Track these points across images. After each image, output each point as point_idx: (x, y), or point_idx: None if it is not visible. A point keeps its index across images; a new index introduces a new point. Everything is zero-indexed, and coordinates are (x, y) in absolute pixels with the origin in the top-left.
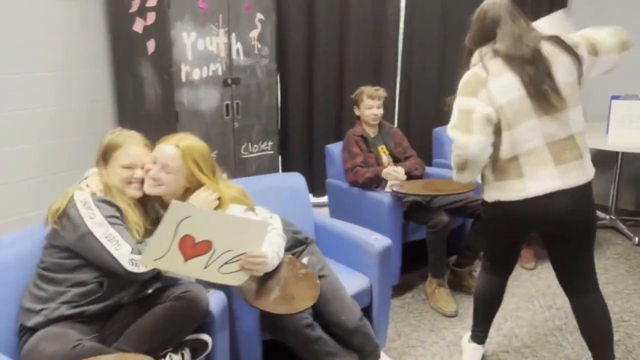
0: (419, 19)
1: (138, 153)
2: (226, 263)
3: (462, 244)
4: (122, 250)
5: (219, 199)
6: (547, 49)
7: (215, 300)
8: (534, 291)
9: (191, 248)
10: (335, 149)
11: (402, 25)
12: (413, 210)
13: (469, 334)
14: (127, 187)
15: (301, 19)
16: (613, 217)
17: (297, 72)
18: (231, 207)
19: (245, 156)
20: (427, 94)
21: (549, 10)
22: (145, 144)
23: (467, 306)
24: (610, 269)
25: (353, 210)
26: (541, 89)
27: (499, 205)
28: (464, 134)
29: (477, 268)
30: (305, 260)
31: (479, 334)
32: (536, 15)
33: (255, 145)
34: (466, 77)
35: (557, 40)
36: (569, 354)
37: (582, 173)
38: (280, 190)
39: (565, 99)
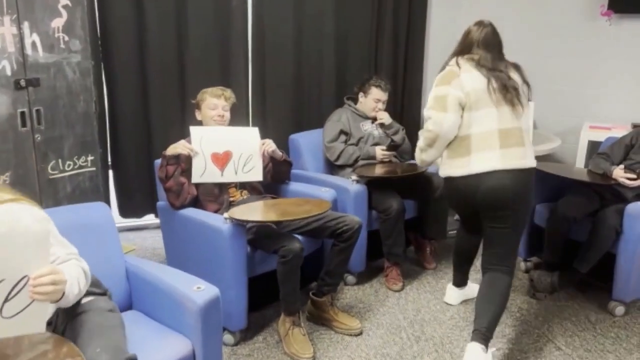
0: (270, 11)
1: None
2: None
3: (323, 270)
4: None
5: None
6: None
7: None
8: (401, 319)
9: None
10: None
11: (250, 17)
12: (260, 237)
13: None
14: None
15: (127, 6)
16: None
17: (127, 71)
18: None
19: (55, 176)
20: (283, 96)
21: (409, 9)
22: None
23: (326, 346)
24: None
25: (186, 241)
26: (505, 86)
27: (448, 180)
28: (439, 112)
29: (341, 295)
30: None
31: (455, 278)
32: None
33: (69, 162)
34: (442, 73)
35: (516, 67)
36: None
37: (521, 158)
38: (78, 227)
39: (520, 99)
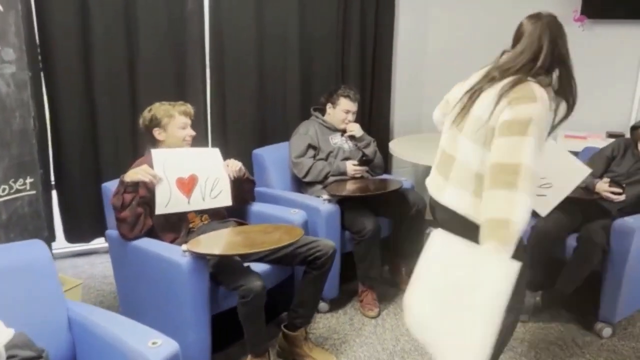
0: (228, 16)
1: None
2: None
3: (294, 300)
4: None
5: None
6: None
7: None
8: (380, 351)
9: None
10: (114, 188)
11: (207, 23)
12: (220, 271)
13: None
14: None
15: (69, 10)
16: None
17: (70, 82)
18: None
19: None
20: (245, 108)
21: (375, 16)
22: None
23: None
24: None
25: (140, 275)
26: (460, 107)
27: None
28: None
29: (313, 325)
30: None
31: None
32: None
33: (4, 186)
34: None
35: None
36: None
37: (439, 190)
38: (9, 272)
39: (464, 125)
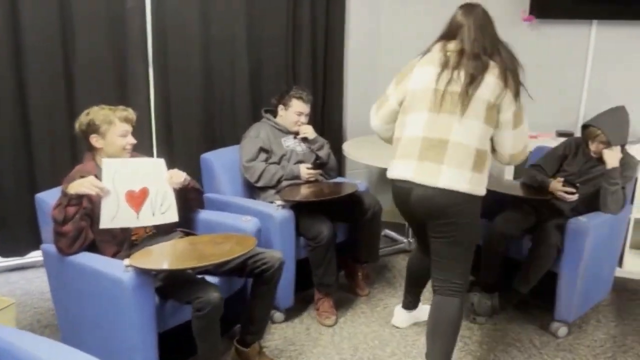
0: (172, 14)
1: None
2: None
3: (244, 315)
4: None
5: None
6: (488, 65)
7: None
8: None
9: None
10: (49, 198)
11: (149, 21)
12: (170, 285)
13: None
14: None
15: None
16: (410, 240)
17: (1, 87)
18: None
19: None
20: (192, 110)
21: (326, 14)
22: None
23: None
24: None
25: (80, 293)
26: (445, 89)
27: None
28: (373, 112)
29: (268, 337)
30: None
31: (405, 300)
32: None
33: None
34: (404, 69)
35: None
36: None
37: (434, 176)
38: None
39: (463, 107)
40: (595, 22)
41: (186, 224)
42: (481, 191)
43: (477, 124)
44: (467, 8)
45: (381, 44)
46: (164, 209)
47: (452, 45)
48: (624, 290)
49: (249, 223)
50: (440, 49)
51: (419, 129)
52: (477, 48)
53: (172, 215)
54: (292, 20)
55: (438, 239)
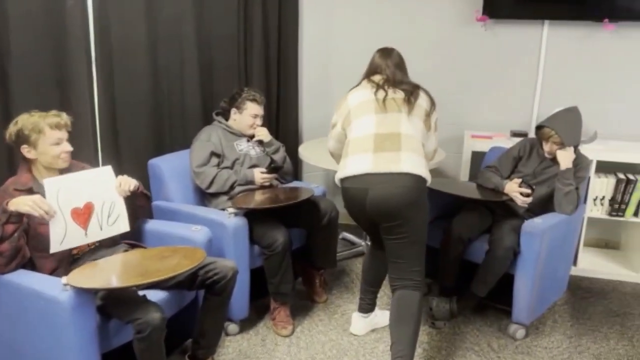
0: (115, 12)
1: None
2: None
3: (195, 329)
4: None
5: None
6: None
7: None
8: None
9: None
10: None
11: (91, 20)
12: (110, 303)
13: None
14: None
15: None
16: (369, 243)
17: None
18: None
19: None
20: (139, 113)
21: (279, 13)
22: None
23: None
24: None
25: (14, 315)
26: (385, 97)
27: (341, 184)
28: (330, 139)
29: (222, 350)
30: None
31: (362, 303)
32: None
33: None
34: (341, 99)
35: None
36: None
37: (393, 162)
38: None
39: (409, 107)
40: (547, 22)
41: (133, 236)
42: (429, 182)
43: (420, 123)
44: (384, 51)
45: (336, 43)
46: (112, 220)
47: (377, 77)
48: (578, 288)
49: (198, 233)
50: (368, 82)
51: (369, 127)
52: (399, 78)
53: (122, 226)
54: (243, 19)
55: (394, 240)
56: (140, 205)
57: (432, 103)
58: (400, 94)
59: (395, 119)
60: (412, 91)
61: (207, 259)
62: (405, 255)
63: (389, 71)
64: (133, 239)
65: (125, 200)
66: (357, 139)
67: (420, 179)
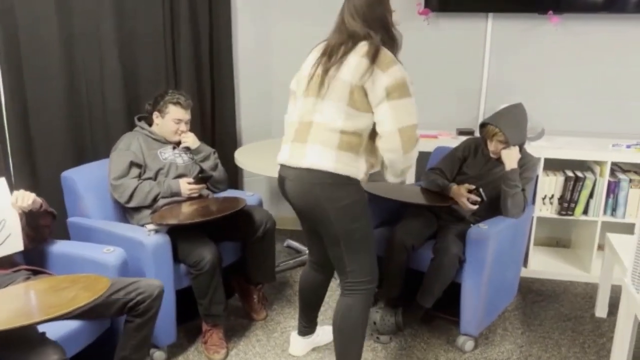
0: (21, 7)
1: None
2: None
3: (117, 356)
4: None
5: None
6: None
7: None
8: None
9: None
10: None
11: None
12: (2, 348)
13: None
14: None
15: None
16: None
17: None
18: None
19: None
20: (54, 119)
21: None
22: None
23: None
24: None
25: None
26: (314, 72)
27: None
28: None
29: None
30: None
31: (300, 325)
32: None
33: None
34: None
35: (367, 47)
36: None
37: (300, 156)
38: None
39: (326, 89)
40: (491, 15)
41: (36, 259)
42: (353, 173)
43: (339, 105)
44: None
45: (273, 41)
46: (1, 239)
47: (330, 35)
48: (529, 292)
49: (111, 255)
50: (327, 40)
51: (295, 114)
52: (352, 26)
53: (14, 245)
54: (169, 14)
55: (324, 238)
56: (45, 225)
57: (371, 63)
58: (327, 66)
59: (311, 105)
60: (335, 57)
61: (128, 280)
62: (333, 257)
63: (349, 11)
64: (38, 263)
65: (26, 219)
66: (287, 125)
67: (330, 175)
